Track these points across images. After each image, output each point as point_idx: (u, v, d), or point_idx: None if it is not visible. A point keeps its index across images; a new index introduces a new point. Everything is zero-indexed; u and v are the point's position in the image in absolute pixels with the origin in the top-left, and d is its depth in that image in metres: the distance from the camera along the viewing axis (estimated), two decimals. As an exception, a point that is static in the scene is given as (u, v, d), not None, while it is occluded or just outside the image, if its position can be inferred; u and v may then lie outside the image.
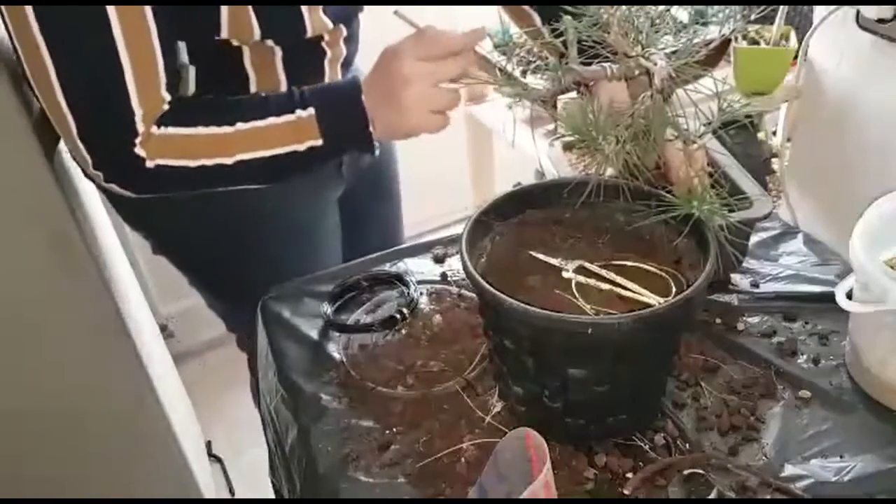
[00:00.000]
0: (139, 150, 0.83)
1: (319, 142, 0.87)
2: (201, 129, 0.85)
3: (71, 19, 0.76)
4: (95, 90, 0.80)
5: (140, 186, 0.88)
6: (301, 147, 0.87)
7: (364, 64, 1.11)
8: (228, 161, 0.86)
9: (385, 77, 0.86)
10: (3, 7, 0.77)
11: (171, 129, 0.84)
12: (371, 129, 0.88)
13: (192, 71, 0.91)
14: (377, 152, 0.92)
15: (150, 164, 0.84)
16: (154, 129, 0.83)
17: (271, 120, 0.86)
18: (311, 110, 0.86)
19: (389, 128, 0.89)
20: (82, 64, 0.79)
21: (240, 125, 0.85)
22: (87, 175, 1.06)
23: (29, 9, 0.75)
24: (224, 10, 0.85)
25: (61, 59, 0.77)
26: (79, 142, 0.82)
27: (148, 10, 0.78)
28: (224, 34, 0.87)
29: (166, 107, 0.84)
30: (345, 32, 1.00)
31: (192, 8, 0.83)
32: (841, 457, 0.78)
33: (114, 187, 0.87)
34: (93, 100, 0.81)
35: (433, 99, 0.86)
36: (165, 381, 1.34)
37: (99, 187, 1.08)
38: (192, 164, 0.85)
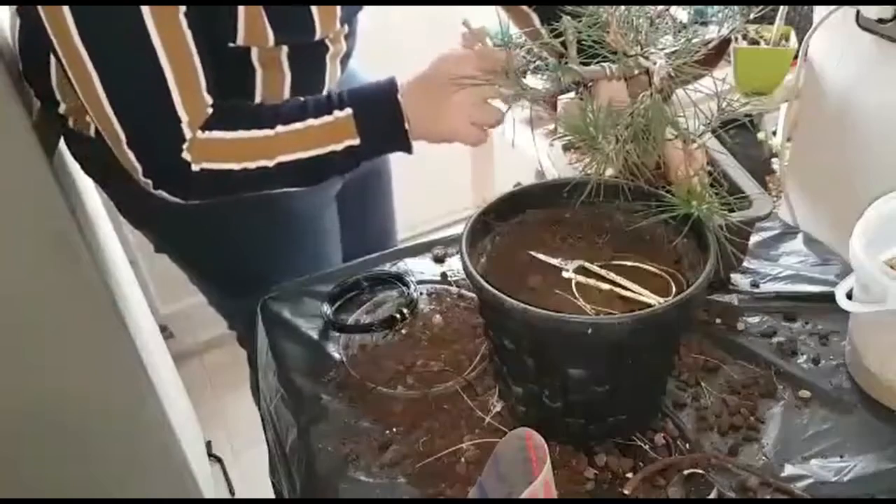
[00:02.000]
0: (186, 156, 0.85)
1: (357, 141, 0.89)
2: (243, 133, 0.87)
3: (110, 32, 0.79)
4: (141, 99, 0.83)
5: (187, 192, 0.90)
6: (339, 147, 0.89)
7: (361, 58, 1.12)
8: (270, 163, 0.88)
9: (437, 77, 0.88)
10: (46, 24, 0.79)
11: (214, 133, 0.86)
12: (407, 126, 0.90)
13: None
14: (413, 151, 0.94)
15: (195, 167, 0.86)
16: (199, 133, 0.85)
17: (310, 122, 0.88)
18: (349, 110, 0.89)
19: (427, 128, 0.91)
20: (126, 75, 0.81)
21: (280, 128, 0.88)
22: (83, 165, 1.07)
23: (70, 23, 0.77)
24: (241, 20, 0.86)
25: (105, 72, 0.80)
26: (128, 150, 0.84)
27: (182, 17, 0.80)
28: (240, 41, 0.89)
29: (210, 111, 0.86)
30: (346, 30, 1.01)
31: (212, 17, 0.85)
32: (841, 457, 0.78)
33: (163, 194, 0.89)
34: (140, 109, 0.83)
35: (478, 110, 0.89)
36: (165, 381, 1.34)
37: (95, 178, 1.08)
38: (236, 167, 0.87)
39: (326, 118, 0.89)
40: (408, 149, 0.93)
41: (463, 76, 0.86)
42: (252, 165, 0.88)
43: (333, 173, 0.95)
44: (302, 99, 0.93)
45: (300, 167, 0.89)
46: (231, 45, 0.89)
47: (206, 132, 0.86)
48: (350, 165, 0.93)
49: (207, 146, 0.86)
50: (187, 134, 0.84)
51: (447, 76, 0.87)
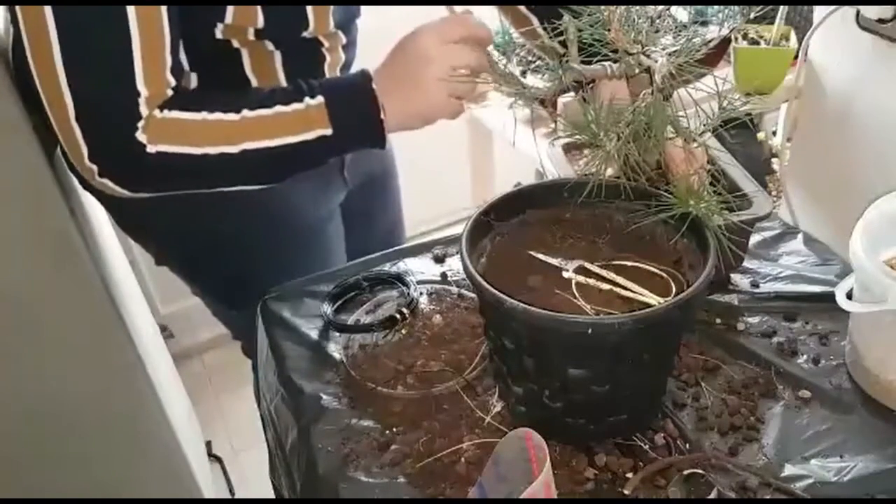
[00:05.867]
0: (140, 136, 0.79)
1: (329, 131, 0.85)
2: (206, 115, 0.82)
3: None
4: (101, 65, 0.77)
5: (137, 179, 0.83)
6: (310, 136, 0.84)
7: (360, 61, 1.11)
8: (234, 150, 0.82)
9: (404, 57, 0.84)
10: None
11: (175, 113, 0.81)
12: (382, 116, 0.85)
13: (193, 77, 0.91)
14: (387, 145, 0.89)
15: (151, 149, 0.79)
16: (157, 112, 0.80)
17: (279, 108, 0.84)
18: (321, 98, 0.84)
19: (404, 113, 0.86)
20: (89, 37, 0.75)
21: (246, 112, 0.83)
22: (81, 179, 1.05)
23: None
24: None
25: (67, 32, 0.74)
26: (75, 124, 0.77)
27: None
28: (228, 20, 0.85)
29: (170, 92, 0.81)
30: (344, 40, 1.00)
31: None
32: (841, 457, 0.78)
33: (107, 183, 0.82)
34: (97, 76, 0.77)
35: (454, 81, 0.84)
36: (165, 381, 1.34)
37: (90, 190, 1.06)
38: (196, 151, 0.81)
39: (297, 106, 0.84)
40: (381, 143, 0.88)
41: (435, 50, 0.82)
42: (213, 151, 0.81)
43: (300, 168, 0.89)
44: (272, 87, 0.89)
45: (266, 157, 0.83)
46: (219, 28, 0.86)
47: (165, 112, 0.80)
48: (319, 159, 0.88)
49: (166, 126, 0.80)
50: (143, 111, 0.78)
51: (417, 53, 0.83)
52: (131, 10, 0.75)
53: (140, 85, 0.78)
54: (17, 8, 0.75)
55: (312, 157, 0.88)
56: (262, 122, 0.83)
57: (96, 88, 0.77)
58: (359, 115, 0.86)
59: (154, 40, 0.77)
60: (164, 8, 0.77)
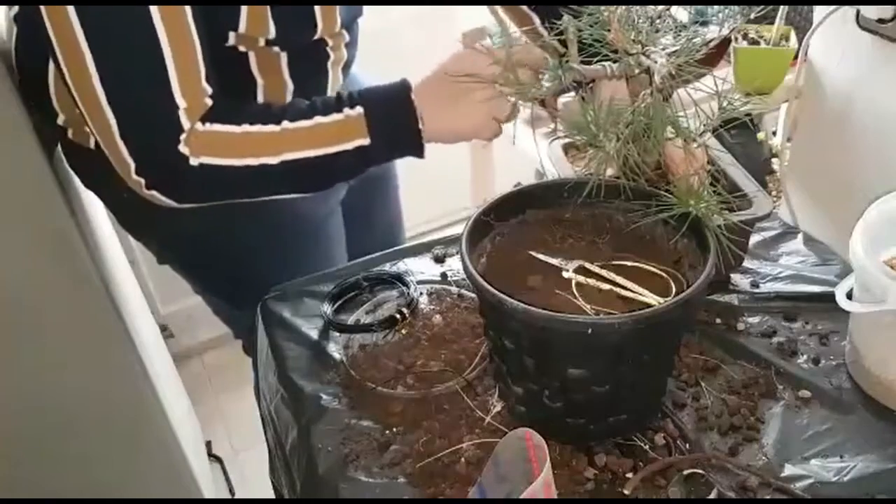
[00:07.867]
0: (183, 148, 0.81)
1: (367, 141, 0.86)
2: (247, 127, 0.84)
3: (112, 12, 0.75)
4: (138, 83, 0.79)
5: (183, 190, 0.86)
6: (349, 146, 0.86)
7: (361, 62, 1.12)
8: (274, 161, 0.84)
9: (455, 76, 0.86)
10: (43, 10, 0.76)
11: (216, 126, 0.83)
12: (421, 126, 0.87)
13: None
14: (424, 155, 0.91)
15: (193, 161, 0.82)
16: (199, 125, 0.82)
17: (318, 119, 0.85)
18: (360, 109, 0.86)
19: (444, 127, 0.88)
20: (124, 57, 0.77)
21: (286, 124, 0.84)
22: (82, 178, 1.05)
23: (70, 6, 0.74)
24: (245, 8, 0.84)
25: (102, 53, 0.76)
26: (120, 142, 0.80)
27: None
28: (242, 28, 0.86)
29: (209, 101, 0.83)
30: (346, 38, 1.00)
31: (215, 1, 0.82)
32: (841, 457, 0.78)
33: (155, 195, 0.84)
34: (135, 93, 0.79)
35: (497, 103, 0.86)
36: (165, 381, 1.34)
37: (91, 189, 1.06)
38: (237, 163, 0.84)
39: (336, 116, 0.86)
40: (419, 152, 0.90)
41: (481, 74, 0.84)
42: (255, 162, 0.84)
43: (339, 177, 0.92)
44: (311, 98, 0.90)
45: (306, 167, 0.85)
46: (231, 37, 0.87)
47: (207, 125, 0.82)
48: (358, 169, 0.90)
49: (208, 139, 0.82)
50: (185, 124, 0.80)
51: (465, 74, 0.85)
52: (159, 25, 0.76)
53: (178, 97, 0.79)
54: (50, 31, 0.76)
55: (352, 167, 0.89)
56: (303, 134, 0.85)
57: (136, 105, 0.80)
58: (397, 125, 0.87)
59: (185, 52, 0.79)
60: (190, 18, 0.78)
